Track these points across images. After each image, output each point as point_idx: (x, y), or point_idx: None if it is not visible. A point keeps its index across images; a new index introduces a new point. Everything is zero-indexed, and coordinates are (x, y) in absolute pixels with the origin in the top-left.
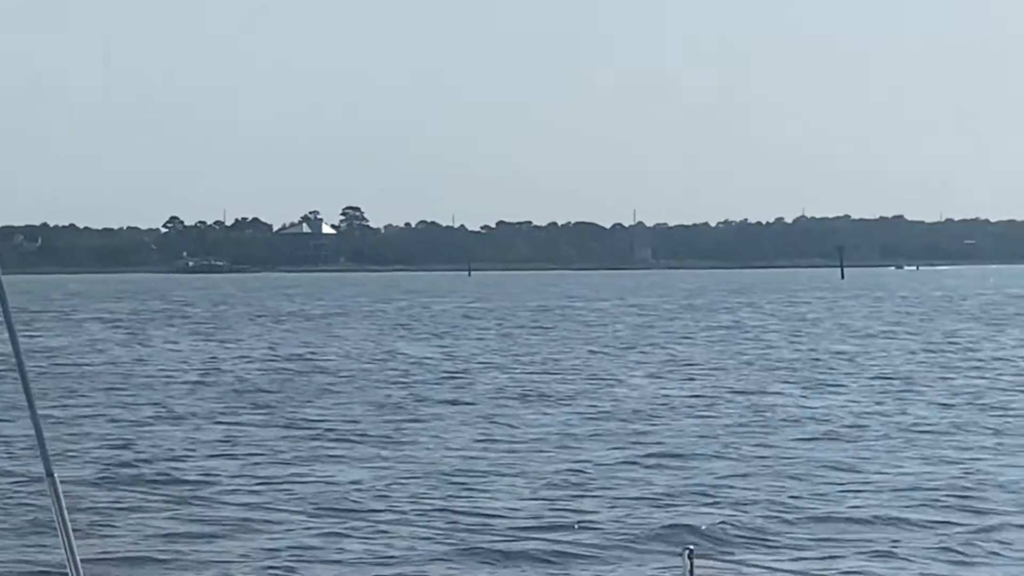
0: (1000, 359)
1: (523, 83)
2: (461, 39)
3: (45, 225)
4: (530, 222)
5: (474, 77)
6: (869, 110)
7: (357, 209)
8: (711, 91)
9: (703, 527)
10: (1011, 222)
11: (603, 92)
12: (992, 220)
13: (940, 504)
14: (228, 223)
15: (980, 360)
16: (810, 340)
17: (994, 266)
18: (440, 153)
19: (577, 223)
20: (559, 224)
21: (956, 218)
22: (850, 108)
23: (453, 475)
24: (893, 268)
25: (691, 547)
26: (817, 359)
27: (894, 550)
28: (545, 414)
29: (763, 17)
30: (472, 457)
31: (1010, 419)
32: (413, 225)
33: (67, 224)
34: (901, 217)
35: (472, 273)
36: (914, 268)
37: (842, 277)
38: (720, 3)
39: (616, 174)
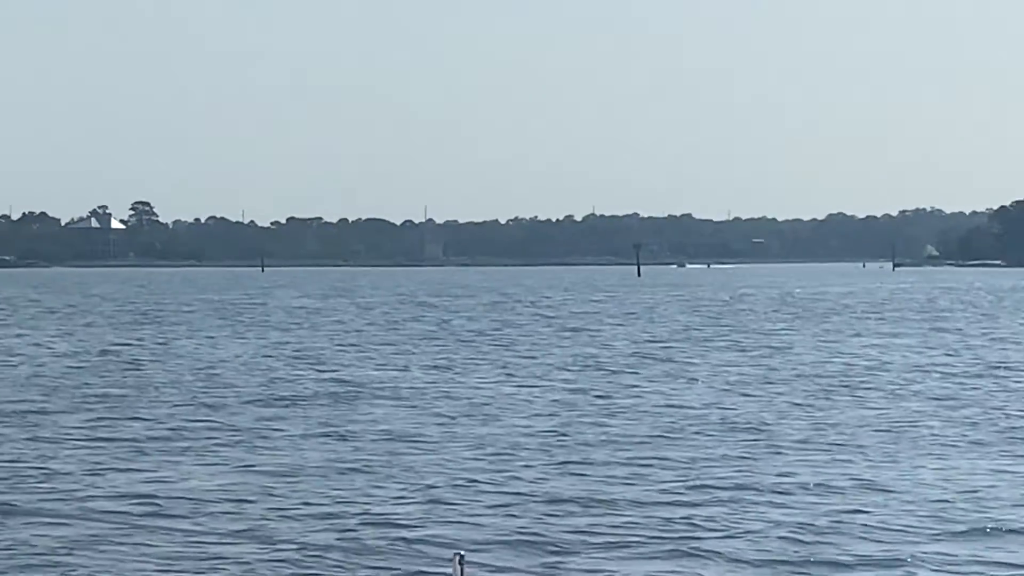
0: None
1: (310, 78)
2: (242, 35)
3: None
4: (320, 218)
5: (258, 73)
6: (657, 110)
7: (147, 204)
8: (498, 91)
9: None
10: (797, 221)
11: (388, 91)
12: (779, 219)
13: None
14: (15, 217)
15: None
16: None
17: (781, 264)
18: (230, 148)
19: (368, 219)
20: (350, 220)
21: (744, 217)
22: (637, 108)
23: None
24: (675, 266)
25: (461, 552)
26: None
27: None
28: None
29: (545, 19)
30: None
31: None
32: (203, 220)
33: None
34: (690, 215)
35: (265, 269)
36: (704, 266)
37: (639, 275)
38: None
39: (406, 171)
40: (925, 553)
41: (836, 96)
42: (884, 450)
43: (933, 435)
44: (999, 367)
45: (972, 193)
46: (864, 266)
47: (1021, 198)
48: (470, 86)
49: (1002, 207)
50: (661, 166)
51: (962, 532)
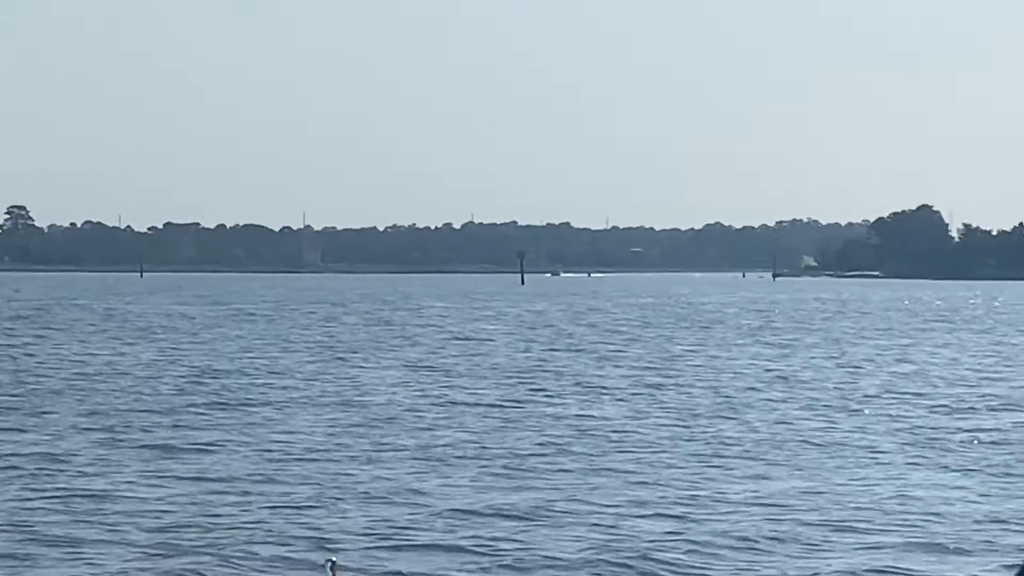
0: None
1: (188, 84)
2: (119, 38)
3: None
4: (198, 224)
5: (136, 77)
6: (536, 119)
7: (22, 208)
8: (377, 98)
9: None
10: (675, 231)
11: (267, 97)
12: (657, 229)
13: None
14: None
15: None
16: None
17: (658, 273)
18: (107, 153)
19: (246, 225)
20: (228, 226)
21: (622, 226)
22: (516, 116)
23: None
24: (549, 275)
25: (333, 559)
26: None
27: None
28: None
29: (423, 25)
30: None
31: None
32: (79, 225)
33: None
34: (568, 224)
35: (144, 274)
36: (585, 275)
37: (522, 283)
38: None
39: (285, 177)
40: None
41: (712, 107)
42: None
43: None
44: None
45: (848, 204)
46: (744, 276)
47: (899, 210)
48: (349, 93)
49: (880, 219)
50: (540, 175)
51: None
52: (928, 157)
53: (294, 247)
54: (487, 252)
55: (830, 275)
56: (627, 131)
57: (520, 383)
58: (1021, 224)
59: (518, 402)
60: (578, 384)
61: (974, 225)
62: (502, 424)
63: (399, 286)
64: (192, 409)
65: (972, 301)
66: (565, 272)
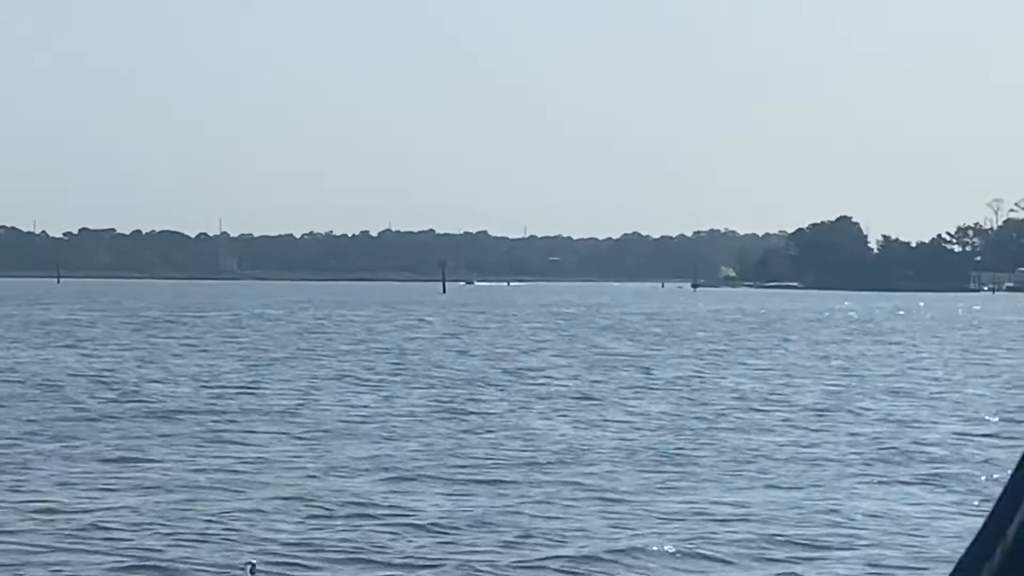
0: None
1: (105, 89)
2: (34, 43)
3: None
4: (114, 229)
5: (51, 82)
6: (455, 127)
7: None
8: (293, 104)
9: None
10: (592, 240)
11: (184, 102)
12: (575, 238)
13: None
14: None
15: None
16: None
17: (577, 283)
18: (22, 157)
19: (162, 231)
20: (143, 232)
21: (540, 235)
22: (434, 123)
23: None
24: (463, 283)
25: (252, 562)
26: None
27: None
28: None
29: (339, 31)
30: None
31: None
32: None
33: None
34: (486, 232)
35: (61, 280)
36: (504, 284)
37: (444, 291)
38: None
39: (201, 183)
40: None
41: (631, 115)
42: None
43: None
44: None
45: (766, 216)
46: (663, 286)
47: (817, 221)
48: (266, 99)
49: (799, 230)
50: (457, 183)
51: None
52: (847, 169)
53: (210, 253)
54: (404, 260)
55: (749, 286)
56: (545, 140)
57: (461, 392)
58: (939, 236)
59: (459, 412)
60: (521, 393)
61: (893, 237)
62: (449, 433)
63: (319, 293)
64: (125, 418)
65: (899, 312)
66: (481, 281)
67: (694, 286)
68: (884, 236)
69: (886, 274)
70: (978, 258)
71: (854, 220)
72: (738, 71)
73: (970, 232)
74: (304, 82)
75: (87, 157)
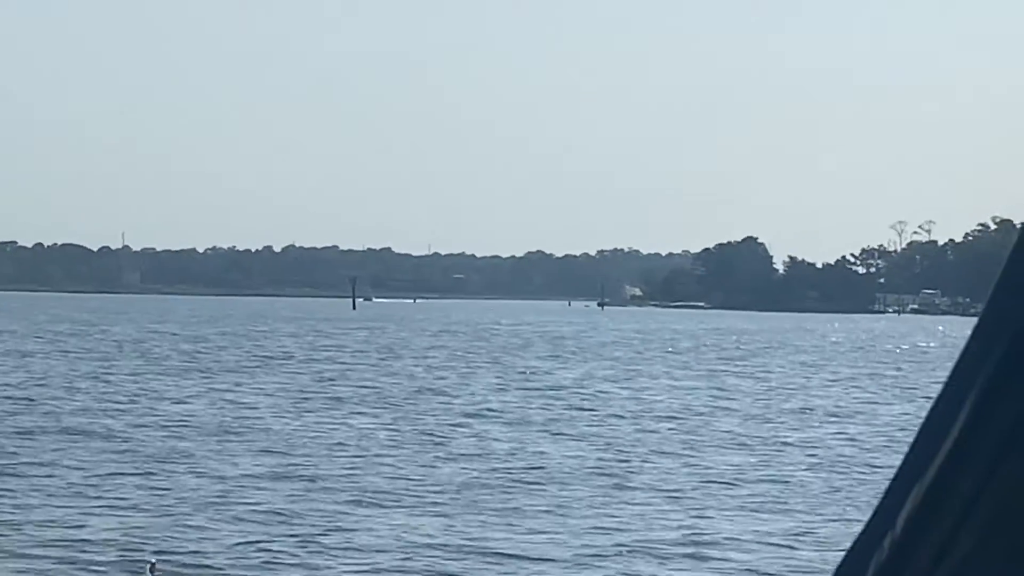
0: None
1: (8, 103)
2: None
3: None
4: (15, 242)
5: None
6: (357, 143)
7: None
8: (198, 117)
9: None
10: (496, 258)
11: (86, 114)
12: (478, 256)
13: None
14: None
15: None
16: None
17: (484, 300)
18: None
19: (64, 244)
20: (45, 245)
21: (443, 252)
22: (337, 140)
23: None
24: (362, 300)
25: (153, 560)
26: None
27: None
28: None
29: (239, 52)
30: None
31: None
32: None
33: None
34: (389, 249)
35: None
36: (411, 301)
37: (354, 308)
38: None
39: (104, 196)
40: None
41: (534, 134)
42: None
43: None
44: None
45: (670, 235)
46: (570, 304)
47: (723, 241)
48: (169, 111)
49: (705, 249)
50: (361, 199)
51: None
52: (751, 189)
53: (113, 267)
54: (308, 276)
55: (656, 305)
56: (449, 157)
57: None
58: (843, 258)
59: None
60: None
61: (799, 257)
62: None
63: (227, 309)
64: (54, 433)
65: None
66: (382, 298)
67: (600, 305)
68: (790, 257)
69: (792, 294)
70: (882, 280)
71: (760, 240)
72: (639, 90)
73: (874, 254)
74: (207, 96)
75: None
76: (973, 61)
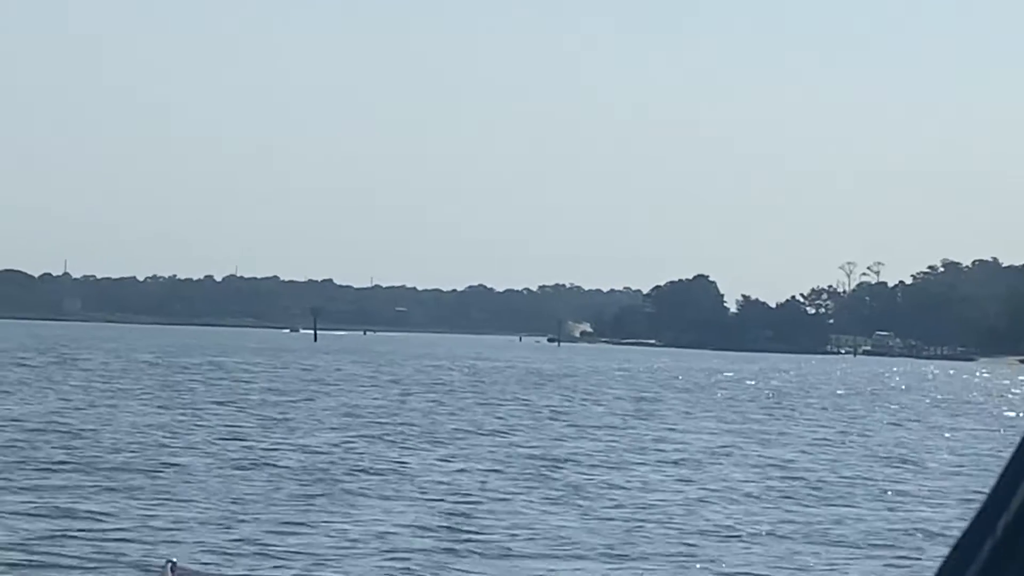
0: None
1: None
2: None
3: None
4: None
5: None
6: (294, 174)
7: None
8: (137, 146)
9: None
10: (437, 291)
11: (26, 138)
12: (419, 288)
13: None
14: None
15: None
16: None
17: (431, 334)
18: None
19: (5, 270)
20: None
21: (384, 284)
22: (275, 169)
23: None
24: (303, 331)
25: (173, 559)
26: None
27: None
28: None
29: (177, 75)
30: None
31: None
32: None
33: None
34: (331, 280)
35: None
36: (361, 333)
37: (315, 340)
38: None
39: (46, 221)
40: None
41: (474, 168)
42: None
43: None
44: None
45: (612, 272)
46: (520, 340)
47: (675, 279)
48: (109, 137)
49: (656, 287)
50: (302, 230)
51: None
52: (698, 226)
53: (54, 294)
54: (249, 306)
55: (606, 342)
56: (389, 191)
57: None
58: (793, 297)
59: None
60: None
61: (752, 296)
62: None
63: (179, 338)
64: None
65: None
66: (329, 330)
67: (551, 340)
68: (743, 296)
69: (745, 334)
70: (831, 320)
71: (711, 279)
72: (582, 126)
73: (823, 294)
74: (148, 123)
75: None
76: (914, 107)
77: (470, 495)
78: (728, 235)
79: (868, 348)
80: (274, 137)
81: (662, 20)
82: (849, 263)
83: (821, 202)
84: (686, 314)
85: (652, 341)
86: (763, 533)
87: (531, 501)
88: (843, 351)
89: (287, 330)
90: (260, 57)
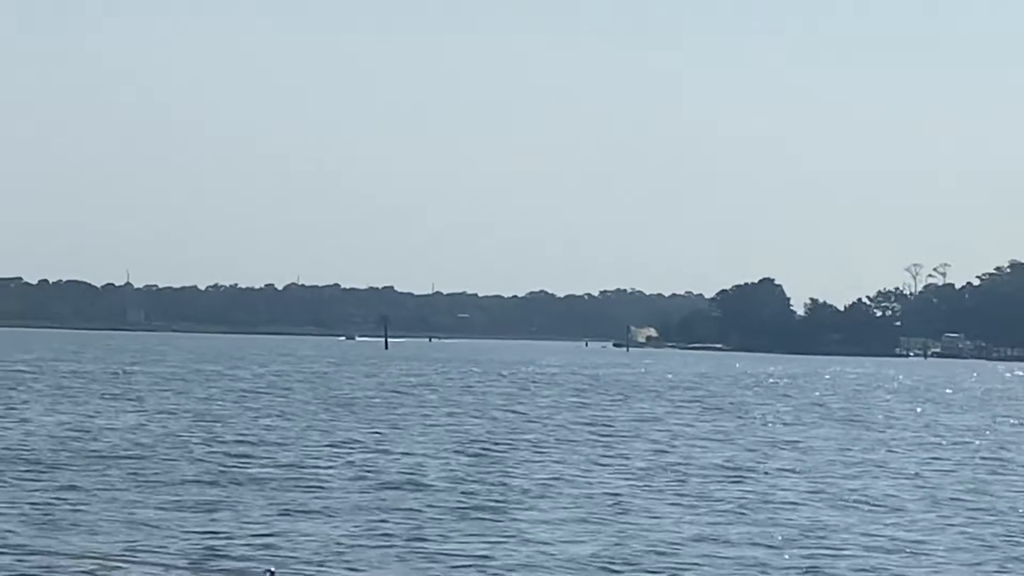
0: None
1: (8, 141)
2: None
3: None
4: (20, 278)
5: None
6: (359, 184)
7: None
8: (200, 155)
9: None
10: (498, 298)
11: (91, 153)
12: (480, 294)
13: None
14: None
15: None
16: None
17: (488, 341)
18: None
19: (69, 281)
20: (50, 281)
21: (445, 291)
22: (336, 180)
23: None
24: (344, 338)
25: (271, 569)
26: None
27: None
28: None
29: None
30: None
31: None
32: None
33: None
34: (392, 288)
35: None
36: (427, 340)
37: (386, 347)
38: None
39: (108, 232)
40: None
41: (537, 177)
42: None
43: None
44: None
45: (673, 276)
46: (587, 345)
47: (740, 282)
48: (173, 152)
49: (722, 291)
50: (364, 238)
51: None
52: (760, 230)
53: (117, 304)
54: (310, 314)
55: (673, 346)
56: (452, 199)
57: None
58: (860, 300)
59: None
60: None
61: (821, 300)
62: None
63: (255, 347)
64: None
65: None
66: (393, 337)
67: (616, 345)
68: (811, 299)
69: (814, 337)
70: (898, 323)
71: (777, 282)
72: (648, 133)
73: (890, 296)
74: (208, 137)
75: None
76: (980, 109)
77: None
78: (791, 238)
79: (937, 350)
80: (335, 149)
81: (726, 28)
82: (915, 265)
83: (885, 203)
84: (753, 318)
85: (719, 345)
86: None
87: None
88: (912, 353)
89: (342, 337)
90: (324, 74)
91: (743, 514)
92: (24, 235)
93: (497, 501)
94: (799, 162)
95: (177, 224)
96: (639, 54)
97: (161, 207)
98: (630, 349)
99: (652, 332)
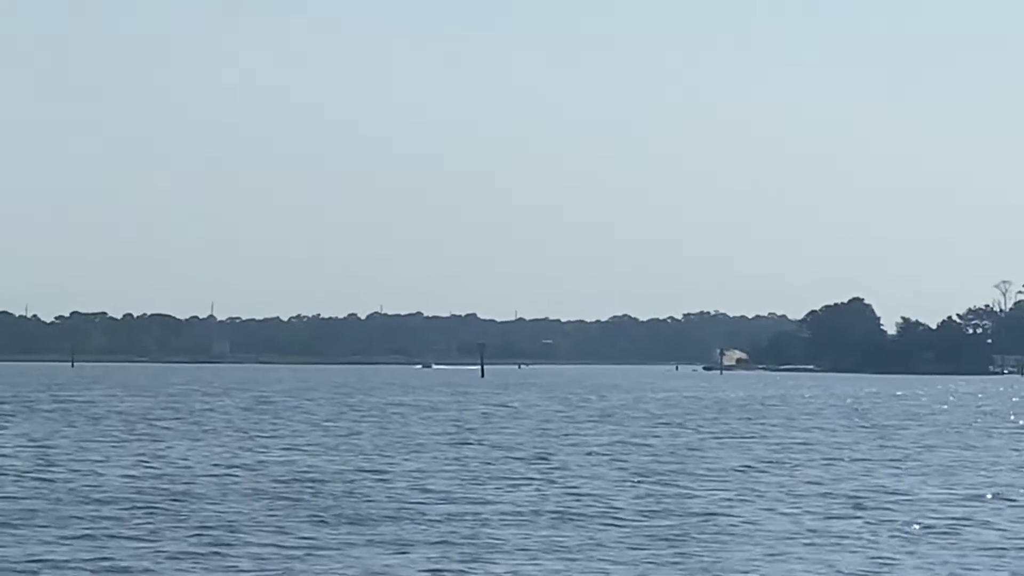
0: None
1: (83, 172)
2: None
3: None
4: (104, 313)
5: (32, 167)
6: (440, 211)
7: None
8: (277, 188)
9: None
10: (580, 323)
11: (168, 186)
12: (563, 320)
13: None
14: None
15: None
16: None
17: (575, 366)
18: (12, 241)
19: (153, 315)
20: (135, 315)
21: (528, 317)
22: (422, 207)
23: None
24: (420, 366)
25: None
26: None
27: None
28: None
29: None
30: None
31: None
32: None
33: None
34: (474, 315)
35: (75, 364)
36: (516, 367)
37: (482, 375)
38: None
39: (190, 265)
40: None
41: (619, 200)
42: None
43: None
44: None
45: (755, 297)
46: (677, 368)
47: (830, 303)
48: (258, 183)
49: (812, 312)
50: (445, 266)
51: None
52: (846, 249)
53: (202, 336)
54: (394, 343)
55: (764, 368)
56: (532, 224)
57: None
58: (950, 318)
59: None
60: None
61: (912, 319)
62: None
63: (353, 377)
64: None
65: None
66: (469, 365)
67: (707, 368)
68: (903, 318)
69: (906, 356)
70: (989, 340)
71: (866, 302)
72: (725, 155)
73: (981, 314)
74: (293, 162)
75: (78, 241)
76: None
77: None
78: (878, 257)
79: None
80: (418, 174)
81: (791, 51)
82: (1004, 282)
83: (972, 220)
84: (844, 338)
85: (811, 367)
86: None
87: None
88: (1006, 371)
89: (419, 366)
90: (421, 109)
91: None
92: (104, 271)
93: None
94: (876, 180)
95: (260, 255)
96: (701, 78)
97: (243, 238)
98: (723, 372)
99: (742, 355)
